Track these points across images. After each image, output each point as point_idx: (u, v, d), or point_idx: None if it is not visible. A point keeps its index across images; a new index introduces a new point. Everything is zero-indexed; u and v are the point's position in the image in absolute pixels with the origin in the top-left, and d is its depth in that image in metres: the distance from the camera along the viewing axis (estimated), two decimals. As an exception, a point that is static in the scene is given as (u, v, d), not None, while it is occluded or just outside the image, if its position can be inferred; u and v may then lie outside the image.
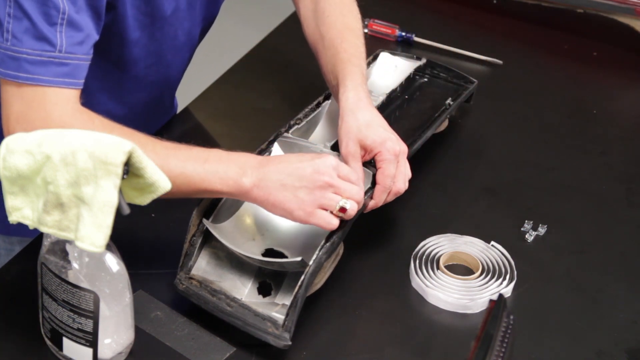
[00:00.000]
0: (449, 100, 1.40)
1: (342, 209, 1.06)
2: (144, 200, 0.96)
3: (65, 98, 1.02)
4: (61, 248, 0.97)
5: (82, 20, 1.02)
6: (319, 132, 1.32)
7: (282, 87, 1.55)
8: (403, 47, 1.69)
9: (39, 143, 0.91)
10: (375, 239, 1.24)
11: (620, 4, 1.73)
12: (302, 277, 1.04)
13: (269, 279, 1.12)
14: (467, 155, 1.43)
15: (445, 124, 1.45)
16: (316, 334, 1.09)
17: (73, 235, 0.93)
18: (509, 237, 1.25)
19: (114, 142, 0.91)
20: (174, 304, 1.11)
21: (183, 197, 1.06)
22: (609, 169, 1.44)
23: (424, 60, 1.48)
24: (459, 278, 1.17)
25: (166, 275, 1.13)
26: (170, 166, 1.02)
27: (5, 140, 0.93)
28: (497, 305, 1.02)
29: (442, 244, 1.22)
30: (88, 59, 1.04)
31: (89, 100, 1.06)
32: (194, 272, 1.10)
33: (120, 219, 0.91)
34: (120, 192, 0.91)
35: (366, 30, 1.73)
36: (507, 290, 1.17)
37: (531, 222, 1.28)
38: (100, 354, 1.00)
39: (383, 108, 1.35)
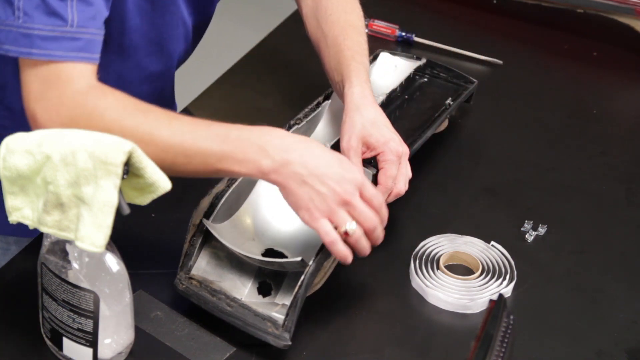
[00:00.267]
0: (449, 100, 1.40)
1: (346, 233, 1.02)
2: (144, 200, 0.96)
3: (79, 74, 1.00)
4: (61, 248, 0.97)
5: None
6: (319, 132, 1.32)
7: (282, 87, 1.55)
8: (403, 47, 1.69)
9: (39, 143, 0.91)
10: (375, 239, 1.24)
11: (620, 4, 1.73)
12: (302, 277, 1.04)
13: (269, 279, 1.12)
14: (467, 155, 1.43)
15: (445, 124, 1.45)
16: (316, 334, 1.09)
17: (73, 235, 0.93)
18: (509, 237, 1.25)
19: (114, 142, 0.91)
20: (174, 304, 1.11)
21: (199, 177, 1.04)
22: (609, 169, 1.44)
23: (424, 60, 1.48)
24: (459, 278, 1.17)
25: (166, 275, 1.13)
26: (185, 145, 0.99)
27: (5, 140, 0.93)
28: (497, 305, 1.02)
29: (442, 244, 1.22)
30: (101, 34, 1.02)
31: None
32: (194, 272, 1.10)
33: (120, 219, 0.91)
34: (120, 192, 0.91)
35: (366, 30, 1.72)
36: (507, 290, 1.17)
37: (531, 222, 1.28)
38: (100, 354, 1.00)
39: (383, 108, 1.34)
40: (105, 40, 1.10)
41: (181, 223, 1.11)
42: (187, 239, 1.10)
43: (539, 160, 1.44)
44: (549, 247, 1.26)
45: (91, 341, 0.99)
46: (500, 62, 1.67)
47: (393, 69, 1.48)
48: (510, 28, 1.81)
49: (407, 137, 1.31)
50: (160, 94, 1.35)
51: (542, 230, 1.27)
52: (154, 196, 0.95)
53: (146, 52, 1.22)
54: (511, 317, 1.01)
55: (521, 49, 1.75)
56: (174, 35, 1.25)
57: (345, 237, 1.02)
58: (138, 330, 1.05)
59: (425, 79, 1.47)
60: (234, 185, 1.16)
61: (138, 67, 1.23)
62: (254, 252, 1.13)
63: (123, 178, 0.90)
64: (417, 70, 1.46)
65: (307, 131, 1.31)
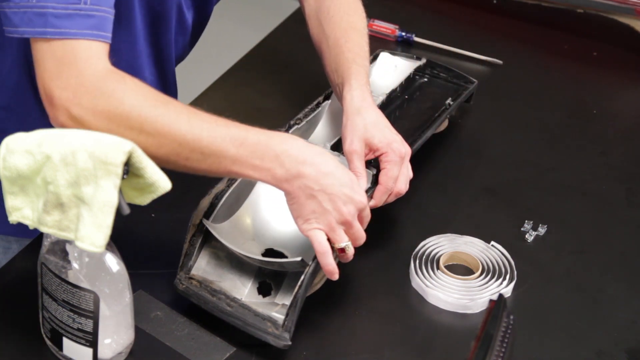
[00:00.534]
0: (449, 100, 1.40)
1: (341, 250, 1.05)
2: (144, 200, 0.96)
3: (96, 53, 0.99)
4: (61, 248, 0.97)
5: None
6: (319, 132, 1.32)
7: (282, 87, 1.55)
8: (403, 47, 1.69)
9: (39, 143, 0.91)
10: (375, 239, 1.24)
11: (620, 4, 1.73)
12: (302, 277, 1.04)
13: (269, 279, 1.12)
14: (467, 155, 1.43)
15: (445, 124, 1.45)
16: (316, 334, 1.09)
17: (73, 235, 0.93)
18: (509, 237, 1.25)
19: (114, 142, 0.91)
20: (174, 304, 1.11)
21: (210, 175, 1.04)
22: (609, 169, 1.44)
23: (424, 60, 1.48)
24: (459, 278, 1.17)
25: (166, 275, 1.13)
26: (202, 143, 0.99)
27: (5, 140, 0.93)
28: (497, 305, 1.02)
29: (442, 244, 1.22)
30: (112, 13, 1.02)
31: None
32: (194, 272, 1.10)
33: (120, 219, 0.91)
34: (120, 192, 0.91)
35: (367, 31, 1.72)
36: (507, 290, 1.17)
37: (531, 222, 1.28)
38: (100, 354, 1.00)
39: (383, 108, 1.35)
40: (114, 29, 1.09)
41: (181, 223, 1.11)
42: (187, 239, 1.10)
43: (539, 160, 1.44)
44: (549, 247, 1.26)
45: (91, 341, 0.99)
46: (500, 62, 1.67)
47: (393, 69, 1.48)
48: (510, 28, 1.81)
49: (407, 137, 1.31)
50: (162, 88, 1.35)
51: (542, 230, 1.27)
52: (154, 196, 0.95)
53: (148, 42, 1.22)
54: (511, 317, 1.01)
55: (521, 49, 1.75)
56: (170, 23, 1.24)
57: (340, 252, 1.05)
58: (138, 330, 1.05)
59: (425, 79, 1.47)
60: (234, 185, 1.16)
61: (142, 54, 1.23)
62: (254, 252, 1.13)
63: (123, 178, 0.90)
64: (417, 70, 1.46)
65: (307, 131, 1.31)
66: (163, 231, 1.22)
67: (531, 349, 1.09)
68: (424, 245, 1.21)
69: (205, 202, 1.12)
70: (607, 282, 1.21)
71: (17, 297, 1.10)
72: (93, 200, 0.90)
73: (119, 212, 0.91)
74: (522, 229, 1.28)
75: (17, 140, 0.92)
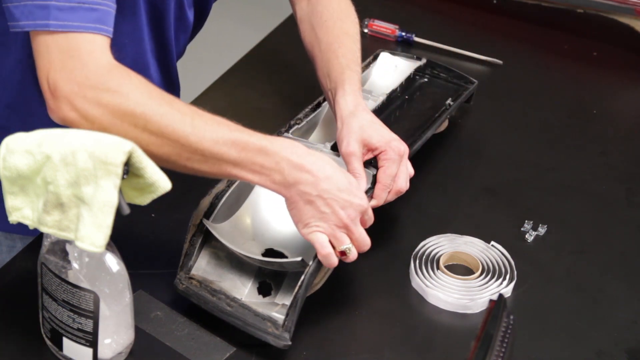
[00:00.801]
0: (449, 101, 1.40)
1: (343, 253, 1.05)
2: (144, 200, 0.96)
3: (99, 47, 0.99)
4: (61, 248, 0.97)
5: None
6: (319, 132, 1.32)
7: (282, 87, 1.55)
8: (403, 47, 1.69)
9: (39, 143, 0.91)
10: (375, 239, 1.24)
11: (620, 4, 1.73)
12: (302, 277, 1.04)
13: (269, 279, 1.12)
14: (467, 155, 1.43)
15: (445, 124, 1.46)
16: (316, 334, 1.09)
17: (73, 235, 0.93)
18: (509, 237, 1.25)
19: (114, 142, 0.91)
20: (174, 304, 1.11)
21: (211, 177, 1.04)
22: (609, 169, 1.44)
23: (424, 60, 1.48)
24: (459, 278, 1.17)
25: (166, 275, 1.13)
26: (204, 145, 0.99)
27: (5, 140, 0.93)
28: (497, 305, 1.02)
29: (442, 244, 1.22)
30: (114, 7, 1.02)
31: None
32: (194, 272, 1.10)
33: (120, 219, 0.91)
34: (120, 192, 0.91)
35: (366, 30, 1.73)
36: (507, 290, 1.17)
37: (531, 222, 1.28)
38: (100, 354, 1.00)
39: (383, 108, 1.35)
40: (117, 24, 1.09)
41: (181, 223, 1.11)
42: (187, 239, 1.10)
43: (539, 160, 1.44)
44: (549, 247, 1.26)
45: (91, 341, 0.99)
46: (500, 62, 1.67)
47: (393, 69, 1.48)
48: (510, 28, 1.81)
49: (407, 137, 1.31)
50: (164, 84, 1.34)
51: (542, 230, 1.27)
52: (154, 196, 0.95)
53: (150, 37, 1.22)
54: (511, 317, 1.01)
55: (521, 49, 1.75)
56: (171, 19, 1.24)
57: (342, 256, 1.06)
58: (138, 330, 1.05)
59: (426, 79, 1.47)
60: (234, 186, 1.16)
61: (146, 52, 1.23)
62: (254, 252, 1.13)
63: (123, 178, 0.90)
64: (417, 71, 1.46)
65: (307, 131, 1.31)
66: (163, 231, 1.22)
67: (531, 349, 1.09)
68: (424, 245, 1.21)
69: (205, 202, 1.12)
70: (607, 282, 1.21)
71: (17, 297, 1.10)
72: (93, 200, 0.90)
73: (119, 212, 0.91)
74: (522, 229, 1.28)
75: (17, 140, 0.92)
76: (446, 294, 1.14)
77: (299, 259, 1.04)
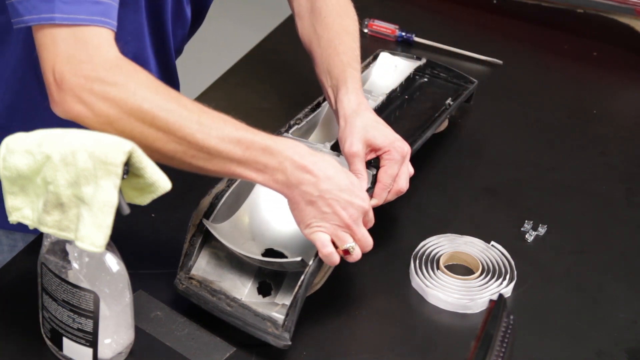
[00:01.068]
0: (449, 100, 1.40)
1: (346, 251, 1.05)
2: (144, 200, 0.96)
3: (105, 40, 0.99)
4: (61, 248, 0.97)
5: None
6: (319, 132, 1.32)
7: (282, 87, 1.55)
8: (403, 47, 1.69)
9: (39, 143, 0.91)
10: (375, 239, 1.24)
11: (620, 4, 1.73)
12: (302, 277, 1.04)
13: (269, 279, 1.12)
14: (467, 155, 1.43)
15: (445, 124, 1.46)
16: (316, 334, 1.09)
17: (73, 235, 0.93)
18: (509, 237, 1.25)
19: (114, 142, 0.91)
20: (174, 304, 1.11)
21: (213, 175, 1.04)
22: (609, 169, 1.44)
23: (424, 60, 1.48)
24: (459, 278, 1.17)
25: (166, 275, 1.13)
26: (210, 143, 0.98)
27: (5, 140, 0.92)
28: (497, 305, 1.02)
29: (442, 244, 1.22)
30: (117, 1, 1.01)
31: None
32: (193, 272, 1.10)
33: (120, 219, 0.91)
34: (120, 192, 0.91)
35: (366, 30, 1.73)
36: (507, 290, 1.17)
37: (531, 222, 1.28)
38: (100, 354, 1.00)
39: (383, 108, 1.35)
40: (121, 20, 1.09)
41: (181, 223, 1.11)
42: (187, 239, 1.10)
43: (539, 160, 1.44)
44: (549, 247, 1.26)
45: (91, 341, 0.99)
46: (500, 62, 1.67)
47: (393, 69, 1.48)
48: (510, 28, 1.81)
49: (407, 137, 1.31)
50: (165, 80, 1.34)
51: (542, 230, 1.27)
52: (154, 196, 0.95)
53: (149, 33, 1.22)
54: (511, 317, 1.01)
55: (521, 49, 1.75)
56: (168, 15, 1.24)
57: (346, 254, 1.06)
58: (138, 330, 1.05)
59: (425, 79, 1.47)
60: (234, 185, 1.16)
61: (145, 50, 1.23)
62: (254, 252, 1.13)
63: (123, 178, 0.90)
64: (417, 70, 1.46)
65: (307, 131, 1.31)
66: (163, 231, 1.22)
67: (531, 349, 1.09)
68: (424, 245, 1.21)
69: (205, 202, 1.12)
70: (607, 282, 1.21)
71: (17, 297, 1.10)
72: (93, 200, 0.90)
73: (119, 212, 0.91)
74: (522, 229, 1.28)
75: (17, 140, 0.92)
76: (446, 294, 1.14)
77: (299, 259, 1.04)
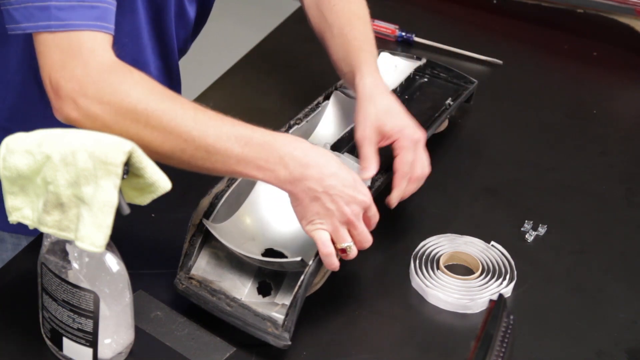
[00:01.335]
0: (449, 100, 1.40)
1: (342, 250, 1.05)
2: (144, 200, 0.96)
3: (100, 44, 0.99)
4: (61, 248, 0.97)
5: None
6: (319, 132, 1.32)
7: (282, 87, 1.55)
8: (403, 47, 1.69)
9: (39, 143, 0.91)
10: (375, 239, 1.24)
11: (620, 4, 1.73)
12: (302, 277, 1.04)
13: (269, 279, 1.12)
14: (467, 155, 1.43)
15: (445, 124, 1.46)
16: (316, 334, 1.09)
17: (73, 235, 0.93)
18: (509, 237, 1.25)
19: (114, 142, 0.91)
20: (174, 304, 1.11)
21: (214, 174, 1.04)
22: (609, 169, 1.44)
23: (424, 60, 1.48)
24: (459, 278, 1.17)
25: (166, 275, 1.13)
26: (208, 140, 0.98)
27: (5, 140, 0.93)
28: (497, 305, 1.02)
29: (442, 244, 1.22)
30: (114, 4, 1.02)
31: None
32: (193, 272, 1.10)
33: (120, 219, 0.91)
34: (120, 192, 0.91)
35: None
36: (507, 290, 1.17)
37: (531, 222, 1.28)
38: (100, 354, 1.00)
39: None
40: (118, 22, 1.09)
41: (181, 223, 1.11)
42: (187, 239, 1.10)
43: (539, 160, 1.44)
44: (549, 247, 1.26)
45: (91, 341, 0.99)
46: (500, 62, 1.67)
47: (393, 69, 1.48)
48: (510, 28, 1.81)
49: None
50: (165, 81, 1.35)
51: (542, 230, 1.27)
52: (154, 196, 0.95)
53: (150, 35, 1.22)
54: (511, 317, 1.01)
55: (521, 49, 1.75)
56: (171, 15, 1.24)
57: (343, 253, 1.05)
58: (138, 330, 1.05)
59: (425, 79, 1.47)
60: (233, 185, 1.16)
61: (146, 49, 1.23)
62: (253, 252, 1.13)
63: (123, 178, 0.90)
64: (417, 70, 1.46)
65: (307, 131, 1.31)
66: (163, 231, 1.22)
67: (531, 349, 1.09)
68: (424, 245, 1.21)
69: (205, 202, 1.12)
70: (607, 282, 1.21)
71: (17, 297, 1.11)
72: (93, 200, 0.90)
73: (119, 212, 0.91)
74: (522, 229, 1.28)
75: (17, 140, 0.92)
76: (446, 294, 1.14)
77: (299, 258, 1.04)
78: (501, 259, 1.20)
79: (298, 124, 1.28)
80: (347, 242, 1.05)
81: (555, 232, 1.28)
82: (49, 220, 0.93)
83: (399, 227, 1.27)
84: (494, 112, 1.55)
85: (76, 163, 0.90)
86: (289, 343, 1.03)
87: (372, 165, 1.15)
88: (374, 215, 1.08)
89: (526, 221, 1.28)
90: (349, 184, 1.04)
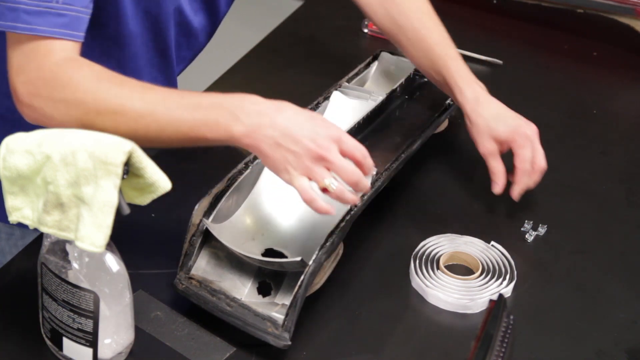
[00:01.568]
0: (449, 100, 1.40)
1: (324, 189, 1.01)
2: (144, 200, 0.96)
3: (60, 48, 1.01)
4: (61, 248, 0.97)
5: None
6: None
7: (282, 87, 1.55)
8: (403, 47, 1.68)
9: (39, 143, 0.92)
10: (375, 239, 1.24)
11: (620, 4, 1.73)
12: (302, 277, 1.04)
13: (269, 279, 1.12)
14: (467, 155, 1.43)
15: (445, 124, 1.46)
16: (316, 334, 1.09)
17: (73, 235, 0.93)
18: (509, 237, 1.25)
19: (114, 142, 0.91)
20: (174, 304, 1.11)
21: (177, 146, 1.03)
22: (609, 169, 1.44)
23: (424, 60, 1.48)
24: (459, 278, 1.17)
25: (166, 275, 1.13)
26: (157, 114, 0.99)
27: (5, 140, 0.93)
28: (497, 305, 1.02)
29: (442, 244, 1.22)
30: (87, 12, 1.03)
31: None
32: (193, 272, 1.10)
33: (120, 219, 0.91)
34: (120, 192, 0.91)
35: (366, 30, 1.73)
36: (507, 290, 1.17)
37: (531, 222, 1.28)
38: (100, 354, 1.00)
39: (383, 108, 1.35)
40: (101, 27, 1.11)
41: (181, 223, 1.11)
42: (187, 239, 1.10)
43: (539, 160, 1.43)
44: (549, 247, 1.26)
45: (91, 341, 0.99)
46: (500, 62, 1.67)
47: (393, 69, 1.48)
48: (510, 28, 1.81)
49: (407, 137, 1.31)
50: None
51: (542, 230, 1.27)
52: (154, 196, 0.96)
53: (142, 40, 1.22)
54: (511, 317, 1.01)
55: (521, 49, 1.75)
56: (169, 24, 1.24)
57: (326, 192, 1.01)
58: (138, 330, 1.05)
59: (425, 79, 1.47)
60: (234, 185, 1.16)
61: (136, 55, 1.23)
62: (253, 252, 1.13)
63: (123, 178, 0.90)
64: (417, 70, 1.46)
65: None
66: (163, 231, 1.22)
67: (531, 349, 1.09)
68: (424, 245, 1.21)
69: (205, 202, 1.12)
70: (607, 282, 1.21)
71: (17, 297, 1.11)
72: (93, 200, 0.90)
73: (119, 212, 0.91)
74: (522, 229, 1.28)
75: (17, 140, 0.92)
76: (446, 294, 1.14)
77: (299, 258, 1.04)
78: (501, 259, 1.20)
79: (298, 124, 1.28)
80: (326, 178, 1.00)
81: (555, 232, 1.28)
82: (49, 220, 0.93)
83: (399, 227, 1.27)
84: (494, 112, 1.54)
85: (76, 163, 0.90)
86: (289, 343, 1.03)
87: (501, 180, 1.25)
88: (354, 147, 1.02)
89: (526, 221, 1.28)
90: (306, 122, 1.00)
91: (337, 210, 1.05)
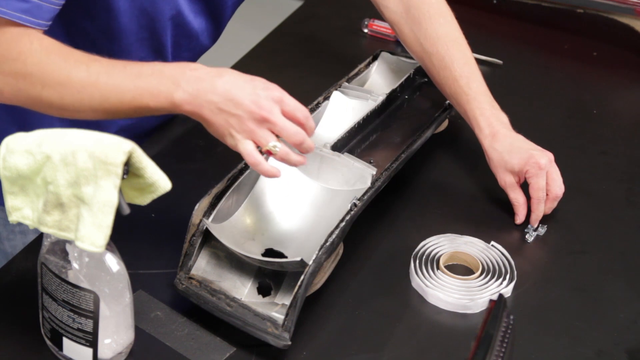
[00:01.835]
0: (448, 100, 1.40)
1: (268, 152, 1.02)
2: (144, 200, 0.96)
3: (18, 31, 1.02)
4: (61, 248, 0.97)
5: None
6: (319, 132, 1.32)
7: (282, 87, 1.54)
8: (403, 47, 1.68)
9: (39, 143, 0.92)
10: (375, 239, 1.24)
11: (620, 4, 1.73)
12: (302, 277, 1.04)
13: (269, 279, 1.12)
14: (467, 155, 1.43)
15: (445, 124, 1.46)
16: (316, 334, 1.09)
17: (73, 235, 0.93)
18: (509, 237, 1.25)
19: (114, 142, 0.91)
20: (174, 304, 1.11)
21: (123, 117, 1.05)
22: (609, 169, 1.44)
23: (424, 60, 1.48)
24: (459, 278, 1.17)
25: (166, 275, 1.13)
26: (100, 84, 1.01)
27: (5, 140, 0.93)
28: (497, 305, 1.02)
29: (442, 244, 1.22)
30: (55, 3, 1.04)
31: None
32: (193, 272, 1.10)
33: (120, 219, 0.91)
34: (120, 192, 0.91)
35: (366, 30, 1.73)
36: (507, 290, 1.17)
37: (531, 222, 1.28)
38: (100, 354, 1.00)
39: (383, 108, 1.35)
40: (92, 18, 1.12)
41: (181, 223, 1.11)
42: (187, 239, 1.11)
43: (539, 160, 1.43)
44: (549, 247, 1.26)
45: (91, 341, 0.99)
46: (500, 62, 1.67)
47: (393, 69, 1.48)
48: (510, 28, 1.81)
49: (407, 137, 1.31)
50: None
51: (542, 230, 1.27)
52: (154, 196, 0.95)
53: (137, 37, 1.22)
54: (511, 317, 1.01)
55: (521, 49, 1.75)
56: (166, 24, 1.24)
57: (270, 155, 1.02)
58: (138, 330, 1.05)
59: (425, 79, 1.47)
60: (234, 185, 1.16)
61: (129, 52, 1.23)
62: (253, 252, 1.13)
63: (123, 178, 0.90)
64: (417, 70, 1.46)
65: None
66: (163, 231, 1.22)
67: (531, 349, 1.09)
68: (424, 245, 1.21)
69: (205, 202, 1.12)
70: (607, 282, 1.21)
71: (17, 297, 1.11)
72: (93, 200, 0.90)
73: (119, 212, 0.91)
74: (522, 229, 1.28)
75: (17, 140, 0.92)
76: (446, 294, 1.14)
77: (299, 259, 1.04)
78: (501, 259, 1.20)
79: (298, 124, 1.28)
80: (269, 141, 1.01)
81: (555, 232, 1.28)
82: (49, 220, 0.93)
83: (399, 227, 1.27)
84: (494, 112, 1.54)
85: (76, 163, 0.90)
86: (289, 343, 1.03)
87: (521, 211, 1.27)
88: (296, 108, 1.03)
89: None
90: (246, 85, 1.01)
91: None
